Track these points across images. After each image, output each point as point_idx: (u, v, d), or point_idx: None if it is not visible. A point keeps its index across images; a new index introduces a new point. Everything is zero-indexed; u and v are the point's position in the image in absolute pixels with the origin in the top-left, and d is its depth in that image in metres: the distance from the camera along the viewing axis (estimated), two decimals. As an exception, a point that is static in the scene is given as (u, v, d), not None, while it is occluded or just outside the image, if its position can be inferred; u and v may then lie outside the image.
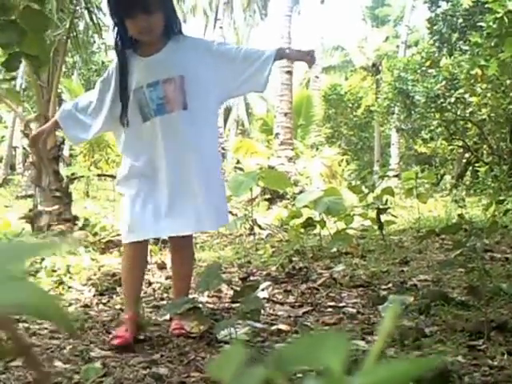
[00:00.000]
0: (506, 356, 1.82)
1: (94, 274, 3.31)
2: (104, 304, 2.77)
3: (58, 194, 5.55)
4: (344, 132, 20.08)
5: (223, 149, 18.81)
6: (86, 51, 8.12)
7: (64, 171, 7.24)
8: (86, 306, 2.73)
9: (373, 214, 4.72)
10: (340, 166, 13.64)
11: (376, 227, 4.62)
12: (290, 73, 12.02)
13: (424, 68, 11.74)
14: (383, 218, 4.59)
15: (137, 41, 2.21)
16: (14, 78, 7.04)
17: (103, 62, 16.95)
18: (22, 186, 13.85)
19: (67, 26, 5.50)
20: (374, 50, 22.25)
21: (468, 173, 13.35)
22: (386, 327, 0.35)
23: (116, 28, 2.21)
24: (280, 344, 2.06)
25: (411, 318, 2.29)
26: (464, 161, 13.63)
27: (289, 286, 3.06)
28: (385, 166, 14.83)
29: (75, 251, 3.98)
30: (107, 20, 6.52)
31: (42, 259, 3.39)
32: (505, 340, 1.96)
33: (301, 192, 7.61)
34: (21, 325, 2.30)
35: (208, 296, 2.83)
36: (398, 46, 19.70)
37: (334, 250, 3.99)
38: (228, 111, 25.51)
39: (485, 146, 11.11)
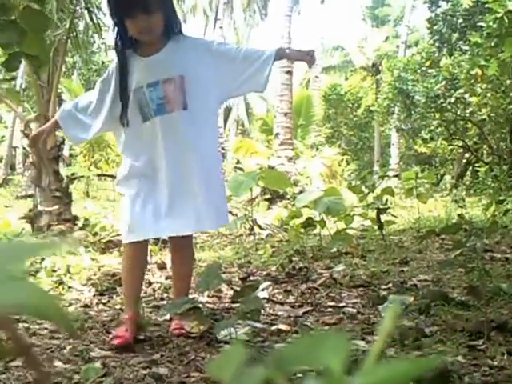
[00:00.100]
0: (506, 356, 1.82)
1: (94, 274, 3.31)
2: (104, 304, 2.77)
3: (58, 193, 5.55)
4: (344, 132, 20.08)
5: (223, 149, 18.81)
6: (86, 51, 8.13)
7: (64, 171, 7.24)
8: (86, 305, 2.73)
9: (373, 214, 4.72)
10: (340, 166, 13.64)
11: (376, 227, 4.62)
12: (289, 73, 12.02)
13: (424, 68, 11.74)
14: (383, 218, 4.59)
15: (137, 41, 2.21)
16: (14, 78, 7.04)
17: (103, 62, 16.95)
18: (22, 186, 13.86)
19: (67, 26, 5.50)
20: (374, 50, 22.25)
21: (468, 173, 13.35)
22: (386, 327, 0.35)
23: (116, 28, 2.21)
24: (280, 344, 2.06)
25: (411, 317, 2.29)
26: (464, 161, 13.63)
27: (289, 286, 3.06)
28: (385, 166, 14.84)
29: (75, 251, 3.98)
30: (107, 20, 6.53)
31: (42, 259, 3.39)
32: (505, 340, 1.96)
33: (301, 192, 7.61)
34: (21, 325, 2.30)
35: (208, 296, 2.83)
36: (398, 46, 19.70)
37: (334, 249, 3.99)
38: (228, 111, 25.51)
39: (485, 146, 11.11)
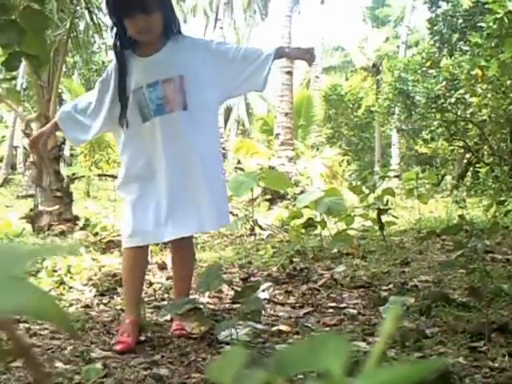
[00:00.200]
0: (507, 357, 1.81)
1: (95, 275, 3.31)
2: (105, 304, 2.76)
3: (58, 193, 5.55)
4: (344, 132, 20.08)
5: (224, 149, 18.81)
6: (87, 51, 8.14)
7: (65, 171, 7.24)
8: (86, 306, 2.73)
9: (373, 214, 4.72)
10: (341, 166, 13.64)
11: (377, 228, 4.62)
12: (290, 73, 12.02)
13: (424, 68, 11.73)
14: (384, 218, 4.59)
15: (136, 41, 2.20)
16: (14, 78, 7.04)
17: (103, 62, 16.94)
18: (23, 186, 13.86)
19: (68, 26, 5.50)
20: (374, 51, 22.25)
21: (469, 173, 13.34)
22: (387, 328, 0.35)
23: (114, 28, 2.21)
24: (281, 345, 2.06)
25: (412, 319, 2.28)
26: (465, 161, 13.63)
27: (289, 286, 3.06)
28: (385, 167, 14.82)
29: (76, 252, 3.97)
30: (107, 20, 6.51)
31: (43, 259, 3.39)
32: (506, 341, 1.96)
33: (301, 192, 7.61)
34: (21, 325, 2.30)
35: (209, 297, 2.83)
36: (398, 47, 19.70)
37: (335, 250, 3.99)
38: (228, 111, 25.52)
39: (485, 147, 11.11)
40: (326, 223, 4.39)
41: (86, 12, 6.22)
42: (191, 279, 2.45)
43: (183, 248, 2.36)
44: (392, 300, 2.45)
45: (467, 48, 9.46)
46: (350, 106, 19.83)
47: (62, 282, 3.12)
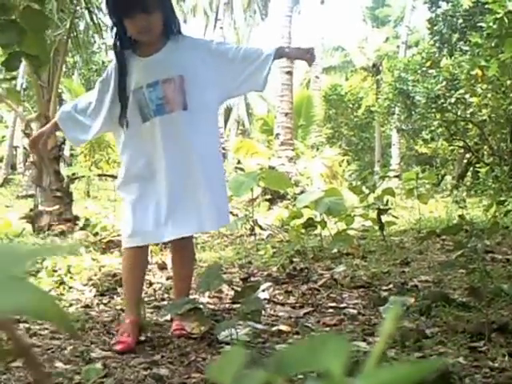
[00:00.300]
0: (507, 357, 1.82)
1: (95, 275, 3.31)
2: (105, 304, 2.76)
3: (58, 193, 5.55)
4: (344, 132, 20.07)
5: (224, 149, 18.81)
6: (87, 51, 8.14)
7: (65, 171, 7.24)
8: (86, 306, 2.73)
9: (373, 214, 4.72)
10: (341, 166, 13.64)
11: (377, 228, 4.62)
12: (290, 73, 12.02)
13: (424, 68, 11.73)
14: (384, 218, 4.59)
15: (136, 41, 2.20)
16: (14, 78, 7.04)
17: (103, 62, 16.94)
18: (23, 186, 13.86)
19: (68, 26, 5.50)
20: (374, 51, 22.25)
21: (469, 173, 13.34)
22: (387, 328, 0.35)
23: (115, 28, 2.21)
24: (281, 345, 2.06)
25: (412, 319, 2.28)
26: (465, 161, 13.62)
27: (289, 286, 3.05)
28: (385, 167, 14.83)
29: (76, 252, 3.97)
30: (107, 20, 6.51)
31: (43, 259, 3.39)
32: (506, 341, 1.96)
33: (301, 192, 7.61)
34: (21, 325, 2.30)
35: (209, 297, 2.83)
36: (398, 47, 19.70)
37: (335, 250, 3.99)
38: (228, 111, 25.52)
39: (485, 147, 11.10)
40: (326, 223, 4.39)
41: (86, 12, 6.22)
42: (191, 279, 2.45)
43: (183, 248, 2.36)
44: (392, 300, 2.45)
45: (467, 48, 9.46)
46: (350, 106, 19.83)
47: (62, 282, 3.12)
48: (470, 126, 11.01)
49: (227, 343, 2.06)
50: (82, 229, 5.39)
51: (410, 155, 17.78)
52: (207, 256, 4.19)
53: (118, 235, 4.10)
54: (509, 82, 7.82)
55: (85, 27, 6.78)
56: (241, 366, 0.35)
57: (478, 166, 11.06)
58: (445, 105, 10.59)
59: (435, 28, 11.27)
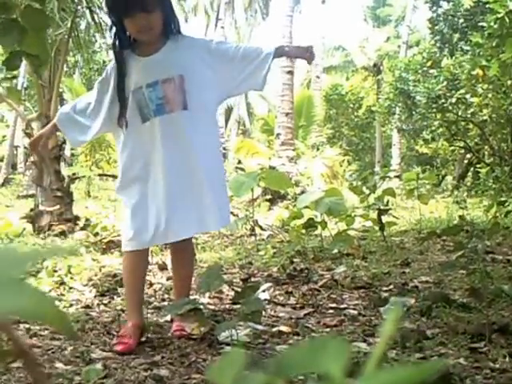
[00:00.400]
0: (507, 358, 1.81)
1: (95, 275, 3.31)
2: (105, 305, 2.76)
3: (59, 193, 5.55)
4: (345, 132, 20.06)
5: (224, 149, 18.81)
6: (88, 50, 8.13)
7: (65, 171, 7.24)
8: (87, 306, 2.73)
9: (374, 214, 4.72)
10: (341, 166, 13.64)
11: (377, 228, 4.62)
12: (291, 73, 12.02)
13: (425, 68, 11.72)
14: (384, 219, 4.58)
15: (135, 40, 2.20)
16: (15, 77, 7.04)
17: (104, 62, 16.94)
18: (24, 186, 13.85)
19: (69, 25, 5.50)
20: (375, 50, 22.24)
21: (469, 174, 13.33)
22: (388, 329, 0.35)
23: (114, 28, 2.20)
24: (281, 346, 2.06)
25: (412, 320, 2.28)
26: (465, 162, 13.62)
27: (290, 287, 3.05)
28: (386, 167, 14.81)
29: (76, 251, 3.97)
30: (109, 19, 6.51)
31: (43, 259, 3.39)
32: (506, 342, 1.96)
33: (302, 192, 7.61)
34: (21, 326, 2.30)
35: (209, 297, 2.83)
36: (399, 46, 19.69)
37: (335, 251, 3.99)
38: (229, 111, 25.51)
39: (486, 147, 11.10)
40: (326, 223, 4.39)
41: (88, 11, 6.21)
42: (191, 280, 2.45)
43: (183, 249, 2.35)
44: (392, 301, 2.45)
45: (468, 48, 9.45)
46: (351, 105, 19.82)
47: (63, 283, 3.12)
48: (471, 126, 11.00)
49: (227, 344, 2.05)
50: (82, 229, 5.39)
51: (411, 155, 17.77)
52: (207, 256, 4.19)
53: (119, 235, 4.10)
54: (510, 82, 7.81)
55: (86, 26, 6.77)
56: (241, 368, 0.35)
57: (478, 166, 11.05)
58: (445, 105, 10.58)
59: (436, 28, 11.26)
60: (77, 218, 5.67)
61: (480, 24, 7.46)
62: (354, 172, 16.18)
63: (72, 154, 17.72)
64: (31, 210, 5.67)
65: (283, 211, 7.38)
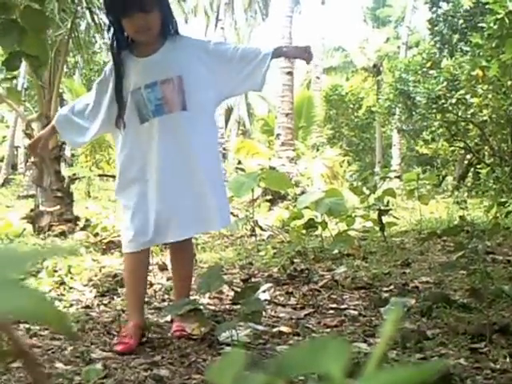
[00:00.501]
0: (508, 359, 1.81)
1: (95, 275, 3.31)
2: (105, 305, 2.76)
3: (59, 194, 5.55)
4: (345, 133, 20.07)
5: (224, 149, 18.81)
6: (88, 51, 8.13)
7: (65, 171, 7.24)
8: (87, 306, 2.73)
9: (374, 215, 4.72)
10: (341, 166, 13.64)
11: (377, 229, 4.61)
12: (290, 73, 12.03)
13: (425, 69, 11.72)
14: (385, 219, 4.58)
15: (133, 41, 2.19)
16: (14, 77, 7.04)
17: (105, 62, 16.94)
18: (24, 186, 13.85)
19: (69, 26, 5.50)
20: (374, 51, 22.25)
21: (469, 174, 13.33)
22: (388, 330, 0.35)
23: (112, 29, 2.20)
24: (281, 346, 2.06)
25: (413, 320, 2.28)
26: (465, 162, 13.62)
27: (290, 287, 3.05)
28: (386, 167, 14.81)
29: (76, 252, 3.97)
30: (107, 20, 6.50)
31: (43, 259, 3.39)
32: (507, 343, 1.95)
33: (302, 193, 7.61)
34: (21, 326, 2.30)
35: (209, 297, 2.82)
36: (398, 47, 19.71)
37: (336, 251, 3.98)
38: (229, 112, 25.51)
39: (486, 148, 11.09)
40: (326, 224, 4.39)
41: (87, 12, 6.22)
42: (191, 280, 2.45)
43: (183, 249, 2.35)
44: (393, 301, 2.45)
45: (468, 48, 9.45)
46: (351, 106, 19.83)
47: (63, 283, 3.12)
48: (471, 126, 11.00)
49: (228, 344, 2.05)
50: (82, 229, 5.38)
51: (411, 156, 17.77)
52: (208, 257, 4.19)
53: (119, 236, 4.10)
54: (509, 83, 7.81)
55: (86, 27, 6.77)
56: (241, 368, 0.35)
57: (478, 166, 11.05)
58: (445, 105, 10.58)
59: (436, 28, 11.27)
60: (77, 218, 5.67)
61: (480, 25, 7.46)
62: (354, 172, 16.18)
63: (72, 155, 17.73)
64: (31, 210, 5.67)
65: (283, 212, 7.38)
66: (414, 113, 12.07)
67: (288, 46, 2.49)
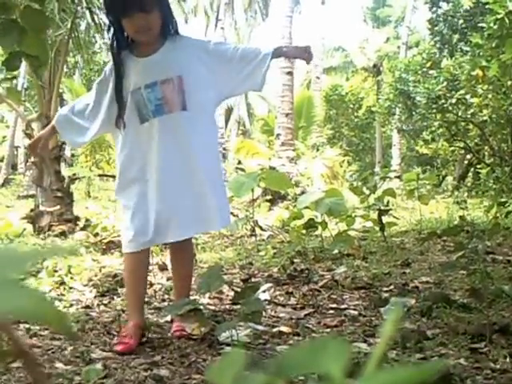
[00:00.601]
0: (508, 359, 1.81)
1: (95, 275, 3.31)
2: (105, 305, 2.76)
3: (59, 194, 5.55)
4: (345, 133, 20.06)
5: (224, 149, 18.81)
6: (88, 51, 8.13)
7: (65, 171, 7.24)
8: (87, 306, 2.73)
9: (374, 215, 4.72)
10: (341, 166, 13.64)
11: (377, 229, 4.61)
12: (290, 73, 12.03)
13: (425, 69, 11.72)
14: (385, 219, 4.58)
15: (133, 41, 2.19)
16: (14, 78, 7.04)
17: (105, 62, 16.94)
18: (24, 186, 13.85)
19: (69, 26, 5.50)
20: (374, 51, 22.25)
21: (469, 174, 13.33)
22: (388, 330, 0.35)
23: (112, 29, 2.20)
24: (281, 346, 2.06)
25: (413, 320, 2.28)
26: (465, 162, 13.62)
27: (290, 287, 3.05)
28: (386, 167, 14.81)
29: (76, 252, 3.97)
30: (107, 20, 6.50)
31: (44, 259, 3.39)
32: (507, 343, 1.95)
33: (302, 193, 7.61)
34: (21, 326, 2.30)
35: (209, 297, 2.82)
36: (398, 47, 19.70)
37: (336, 251, 3.98)
38: (229, 112, 25.51)
39: (486, 148, 11.09)
40: (326, 224, 4.39)
41: (88, 12, 6.22)
42: (191, 279, 2.45)
43: (182, 249, 2.35)
44: (393, 301, 2.45)
45: (468, 48, 9.45)
46: (351, 106, 19.82)
47: (63, 283, 3.12)
48: (471, 126, 11.00)
49: (228, 344, 2.05)
50: (82, 229, 5.38)
51: (411, 156, 17.77)
52: (208, 257, 4.19)
53: (119, 236, 4.09)
54: (509, 83, 7.81)
55: (86, 27, 6.78)
56: (241, 368, 0.35)
57: (478, 166, 11.05)
58: (445, 105, 10.58)
59: (436, 28, 11.27)
60: (77, 218, 5.67)
61: (480, 25, 7.46)
62: (354, 172, 16.19)
63: (72, 155, 17.73)
64: (31, 210, 5.67)
65: (283, 212, 7.38)
66: (413, 113, 12.07)
67: (288, 46, 2.47)
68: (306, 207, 4.50)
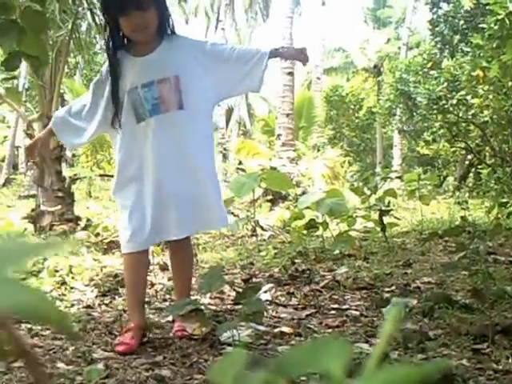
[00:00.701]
0: (510, 360, 1.81)
1: (97, 275, 3.30)
2: (106, 305, 2.76)
3: (60, 194, 5.55)
4: (346, 133, 20.05)
5: (225, 150, 18.82)
6: (89, 52, 8.15)
7: (66, 171, 7.24)
8: (88, 306, 2.73)
9: (375, 215, 4.71)
10: (342, 167, 13.64)
11: (379, 229, 4.61)
12: (291, 74, 12.02)
13: (426, 70, 11.72)
14: (386, 219, 4.58)
15: (129, 40, 2.19)
16: (15, 78, 7.03)
17: (105, 63, 16.97)
18: (25, 186, 13.86)
19: (69, 26, 5.51)
20: (375, 52, 22.24)
21: (471, 175, 13.33)
22: (388, 330, 0.34)
23: (108, 28, 2.20)
24: (283, 346, 2.05)
25: (415, 320, 2.28)
26: (467, 163, 13.61)
27: (291, 288, 3.05)
28: (387, 168, 14.80)
29: (77, 251, 3.97)
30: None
31: (45, 259, 3.39)
32: (509, 343, 1.95)
33: (303, 193, 7.61)
34: (23, 325, 2.29)
35: (210, 298, 2.82)
36: (399, 48, 19.70)
37: (337, 251, 3.98)
38: (230, 112, 25.52)
39: (487, 148, 11.08)
40: (327, 224, 4.38)
41: (88, 13, 6.22)
42: (191, 279, 2.45)
43: (182, 248, 2.35)
44: (394, 301, 2.44)
45: (468, 49, 9.45)
46: (352, 107, 19.82)
47: (64, 283, 3.12)
48: (472, 127, 11.00)
49: (229, 344, 2.05)
50: (83, 229, 5.38)
51: (412, 156, 17.76)
52: (209, 257, 4.19)
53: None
54: (510, 84, 7.80)
55: (87, 28, 6.78)
56: (242, 368, 0.35)
57: (479, 167, 11.05)
58: (446, 106, 10.57)
59: (436, 29, 11.26)
60: (78, 218, 5.67)
61: (480, 25, 7.45)
62: (355, 173, 16.17)
63: (73, 155, 17.73)
64: (32, 210, 5.67)
65: (284, 212, 7.38)
66: (414, 113, 12.07)
67: (284, 47, 2.45)
68: (307, 207, 4.50)
